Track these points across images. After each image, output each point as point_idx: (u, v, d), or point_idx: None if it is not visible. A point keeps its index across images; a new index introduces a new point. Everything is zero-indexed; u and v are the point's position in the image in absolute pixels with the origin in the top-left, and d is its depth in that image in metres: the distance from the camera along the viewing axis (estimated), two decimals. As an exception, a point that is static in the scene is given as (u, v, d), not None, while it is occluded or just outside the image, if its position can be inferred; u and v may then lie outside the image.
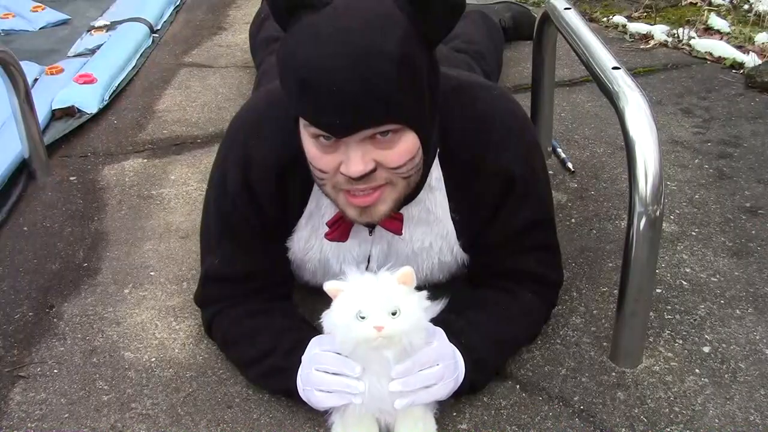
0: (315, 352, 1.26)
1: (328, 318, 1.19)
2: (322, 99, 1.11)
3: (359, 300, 1.15)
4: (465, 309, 1.41)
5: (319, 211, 1.39)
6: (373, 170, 1.18)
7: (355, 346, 1.15)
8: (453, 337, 1.29)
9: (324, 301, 1.21)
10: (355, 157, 1.16)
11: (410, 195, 1.31)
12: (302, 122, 1.19)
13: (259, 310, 1.43)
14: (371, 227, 1.39)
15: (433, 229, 1.41)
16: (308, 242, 1.42)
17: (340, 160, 1.18)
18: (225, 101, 2.61)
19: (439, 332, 1.27)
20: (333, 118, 1.12)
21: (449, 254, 1.45)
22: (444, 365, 1.24)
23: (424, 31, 1.16)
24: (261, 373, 1.38)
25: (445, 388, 1.25)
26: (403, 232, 1.36)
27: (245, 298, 1.44)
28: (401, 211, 1.33)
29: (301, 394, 1.29)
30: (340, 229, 1.35)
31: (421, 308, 1.19)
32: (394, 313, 1.14)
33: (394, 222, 1.32)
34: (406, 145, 1.19)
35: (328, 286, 1.19)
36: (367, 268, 1.45)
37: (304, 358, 1.28)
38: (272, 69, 2.07)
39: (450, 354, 1.27)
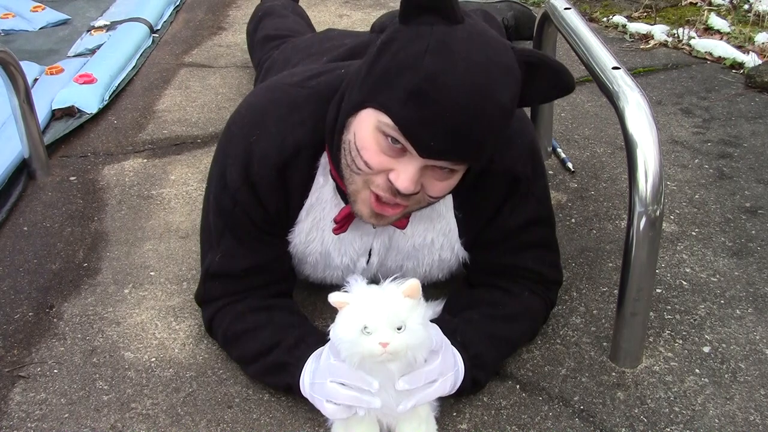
0: (331, 362, 1.23)
1: (333, 331, 1.18)
2: (430, 116, 1.11)
3: (365, 314, 1.13)
4: (461, 309, 1.41)
5: (320, 204, 1.39)
6: (416, 192, 1.19)
7: (361, 360, 1.15)
8: (448, 335, 1.29)
9: (324, 299, 1.21)
10: (412, 176, 1.16)
11: None
12: (377, 115, 1.15)
13: (261, 306, 1.43)
14: None
15: (436, 226, 1.41)
16: (309, 235, 1.42)
17: (392, 167, 1.17)
18: (225, 101, 2.62)
19: (431, 325, 1.27)
20: (430, 138, 1.12)
21: (450, 251, 1.45)
22: (442, 358, 1.24)
23: (522, 93, 1.18)
24: (263, 369, 1.38)
25: (446, 384, 1.25)
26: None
27: (246, 294, 1.44)
28: None
29: (310, 400, 1.28)
30: (347, 224, 1.37)
31: (426, 322, 1.17)
32: (399, 328, 1.13)
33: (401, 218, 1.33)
34: (454, 182, 1.22)
35: (334, 299, 1.17)
36: (367, 262, 1.45)
37: (321, 365, 1.26)
38: (276, 65, 2.07)
39: (442, 343, 1.26)
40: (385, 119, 1.14)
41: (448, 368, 1.25)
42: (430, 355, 1.22)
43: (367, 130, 1.18)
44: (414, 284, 1.15)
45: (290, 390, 1.33)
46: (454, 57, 1.11)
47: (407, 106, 1.12)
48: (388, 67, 1.15)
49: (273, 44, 2.32)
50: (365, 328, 1.12)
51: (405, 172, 1.16)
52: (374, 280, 1.22)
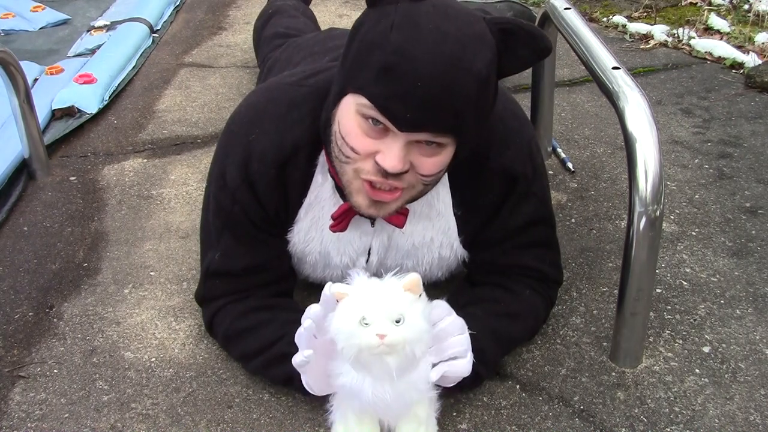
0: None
1: (331, 322, 1.18)
2: (401, 88, 1.11)
3: (363, 306, 1.13)
4: (462, 306, 1.41)
5: (318, 203, 1.39)
6: (405, 171, 1.19)
7: (358, 352, 1.14)
8: None
9: (324, 300, 1.21)
10: (398, 154, 1.16)
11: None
12: (355, 98, 1.17)
13: (262, 306, 1.43)
14: (373, 219, 1.39)
15: (435, 224, 1.41)
16: (308, 234, 1.42)
17: (378, 149, 1.18)
18: (225, 101, 2.61)
19: (446, 308, 1.26)
20: (404, 110, 1.12)
21: (449, 249, 1.45)
22: (467, 336, 1.24)
23: (501, 62, 1.18)
24: (265, 362, 1.37)
25: (470, 363, 1.24)
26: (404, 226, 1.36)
27: (247, 293, 1.44)
28: (407, 206, 1.34)
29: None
30: (345, 221, 1.36)
31: (425, 317, 1.17)
32: (398, 321, 1.13)
33: (398, 216, 1.33)
34: (443, 158, 1.21)
35: (333, 289, 1.17)
36: (367, 261, 1.45)
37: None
38: (279, 64, 2.07)
39: (464, 327, 1.25)
40: (362, 100, 1.15)
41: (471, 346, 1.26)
42: (456, 324, 1.22)
43: (349, 116, 1.19)
44: (414, 278, 1.15)
45: (291, 381, 1.32)
46: (420, 29, 1.12)
47: (379, 82, 1.13)
48: (359, 50, 1.16)
49: (279, 42, 2.32)
50: (363, 319, 1.12)
51: (390, 151, 1.16)
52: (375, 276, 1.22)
